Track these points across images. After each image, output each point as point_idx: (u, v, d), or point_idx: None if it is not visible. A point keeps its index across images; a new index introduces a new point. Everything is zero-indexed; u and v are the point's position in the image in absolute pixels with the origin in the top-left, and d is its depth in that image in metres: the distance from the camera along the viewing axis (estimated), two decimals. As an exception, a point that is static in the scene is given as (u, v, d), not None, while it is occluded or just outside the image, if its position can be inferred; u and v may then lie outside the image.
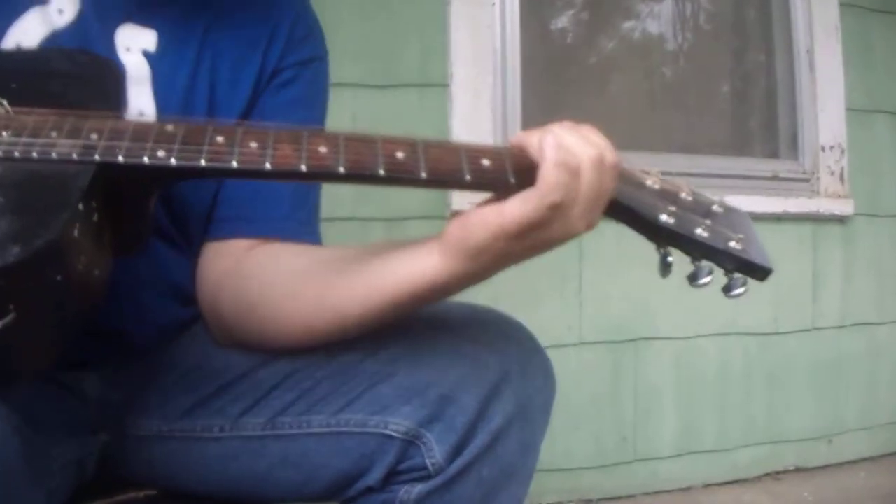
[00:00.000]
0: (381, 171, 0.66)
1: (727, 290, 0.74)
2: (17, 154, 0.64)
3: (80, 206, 0.62)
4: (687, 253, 0.74)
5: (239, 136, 0.66)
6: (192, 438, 0.84)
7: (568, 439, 2.11)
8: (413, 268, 0.70)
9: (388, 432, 0.75)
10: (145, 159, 0.64)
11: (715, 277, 0.73)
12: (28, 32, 0.82)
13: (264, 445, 0.81)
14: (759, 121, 2.60)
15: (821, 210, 2.37)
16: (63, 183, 0.62)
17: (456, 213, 0.65)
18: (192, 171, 0.66)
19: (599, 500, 2.15)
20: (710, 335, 2.27)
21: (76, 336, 0.68)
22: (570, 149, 0.66)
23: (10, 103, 0.69)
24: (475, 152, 0.68)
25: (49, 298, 0.62)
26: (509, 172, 0.67)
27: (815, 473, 2.37)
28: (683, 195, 0.75)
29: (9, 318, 0.57)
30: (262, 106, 0.90)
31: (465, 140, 1.98)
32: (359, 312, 0.74)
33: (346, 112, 1.88)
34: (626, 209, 0.72)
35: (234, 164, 0.65)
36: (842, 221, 2.43)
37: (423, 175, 0.66)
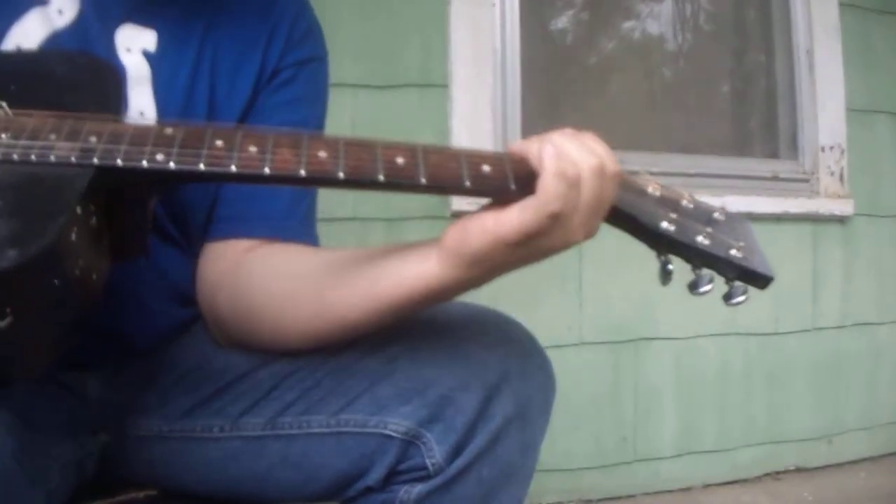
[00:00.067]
0: (381, 177, 0.65)
1: (728, 298, 0.73)
2: (15, 157, 0.64)
3: (78, 210, 0.62)
4: (687, 261, 0.73)
5: (238, 140, 0.66)
6: (192, 438, 0.84)
7: (568, 439, 2.11)
8: (411, 273, 0.70)
9: (387, 432, 0.75)
10: (144, 163, 0.64)
11: (716, 285, 0.73)
12: (28, 33, 0.82)
13: (264, 445, 0.81)
14: (759, 121, 2.60)
15: (821, 210, 2.37)
16: (61, 186, 0.62)
17: (456, 214, 0.65)
18: (191, 175, 0.66)
19: (599, 500, 2.15)
20: (711, 335, 2.27)
21: (74, 338, 0.68)
22: (571, 158, 0.66)
23: (10, 105, 0.69)
24: (475, 158, 0.68)
25: (46, 302, 0.62)
26: (510, 179, 0.67)
27: (815, 473, 2.37)
28: (684, 202, 0.74)
29: (5, 322, 0.57)
30: (261, 105, 0.90)
31: (465, 139, 1.99)
32: (356, 316, 0.74)
33: (345, 112, 1.88)
34: (626, 216, 0.72)
35: (233, 168, 0.65)
36: (842, 222, 2.43)
37: (423, 181, 0.66)
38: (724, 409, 2.31)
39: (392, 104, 1.96)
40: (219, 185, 0.88)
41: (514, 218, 0.65)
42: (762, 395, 2.35)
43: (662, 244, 0.73)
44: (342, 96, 1.86)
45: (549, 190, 0.65)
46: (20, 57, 0.80)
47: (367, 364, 0.78)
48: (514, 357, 0.77)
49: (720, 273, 0.73)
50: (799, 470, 2.38)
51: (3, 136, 0.65)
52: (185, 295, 0.90)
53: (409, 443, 0.75)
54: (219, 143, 0.65)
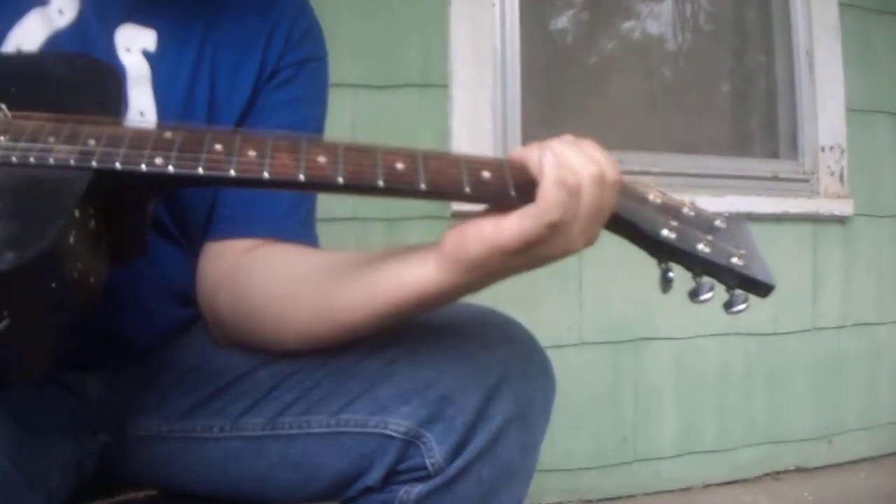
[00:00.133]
0: (380, 182, 0.65)
1: (728, 306, 0.73)
2: (14, 159, 0.63)
3: (77, 213, 0.62)
4: (688, 268, 0.73)
5: (237, 144, 0.66)
6: (192, 438, 0.84)
7: (568, 439, 2.11)
8: (410, 277, 0.70)
9: (387, 432, 0.75)
10: (143, 166, 0.64)
11: (716, 293, 0.72)
12: (29, 34, 0.82)
13: (264, 445, 0.81)
14: (758, 121, 2.60)
15: (820, 210, 2.37)
16: (59, 189, 0.62)
17: (456, 215, 0.65)
18: (190, 179, 0.66)
19: (599, 500, 2.15)
20: (710, 335, 2.27)
21: (73, 340, 0.68)
22: (571, 166, 0.66)
23: (9, 107, 0.69)
24: (475, 164, 0.68)
25: (44, 305, 0.61)
26: (510, 185, 0.67)
27: (815, 473, 2.37)
28: (685, 210, 0.74)
29: (3, 325, 0.57)
30: (261, 105, 0.90)
31: (465, 140, 1.99)
32: (356, 318, 0.74)
33: (345, 112, 1.88)
34: (627, 224, 0.72)
35: (232, 172, 0.65)
36: (841, 222, 2.43)
37: (423, 186, 0.66)
38: (724, 409, 2.31)
39: (392, 104, 1.96)
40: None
41: (514, 226, 0.65)
42: (762, 395, 2.35)
43: (663, 252, 0.73)
44: (342, 96, 1.86)
45: (549, 198, 0.65)
46: (20, 59, 0.80)
47: (368, 365, 0.78)
48: (515, 357, 0.77)
49: (721, 281, 0.73)
50: (799, 470, 2.38)
51: (2, 138, 0.65)
52: (185, 295, 0.90)
53: (409, 443, 0.75)
54: (218, 147, 0.65)
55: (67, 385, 0.85)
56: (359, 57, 1.92)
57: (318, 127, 0.95)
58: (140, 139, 0.65)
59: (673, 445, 2.25)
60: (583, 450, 2.14)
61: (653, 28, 2.58)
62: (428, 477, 0.75)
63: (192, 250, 0.90)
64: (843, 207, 2.40)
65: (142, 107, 0.84)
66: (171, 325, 0.91)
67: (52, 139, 0.65)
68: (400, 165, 0.66)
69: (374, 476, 0.76)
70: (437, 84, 2.00)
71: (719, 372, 2.30)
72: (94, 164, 0.63)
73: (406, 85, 1.98)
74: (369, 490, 0.77)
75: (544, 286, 2.08)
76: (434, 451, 0.74)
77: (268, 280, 0.82)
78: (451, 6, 2.01)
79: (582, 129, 0.70)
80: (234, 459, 0.82)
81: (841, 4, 2.40)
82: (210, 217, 0.88)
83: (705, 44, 2.68)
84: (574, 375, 2.11)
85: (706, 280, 0.73)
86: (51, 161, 0.63)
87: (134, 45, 0.85)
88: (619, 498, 2.17)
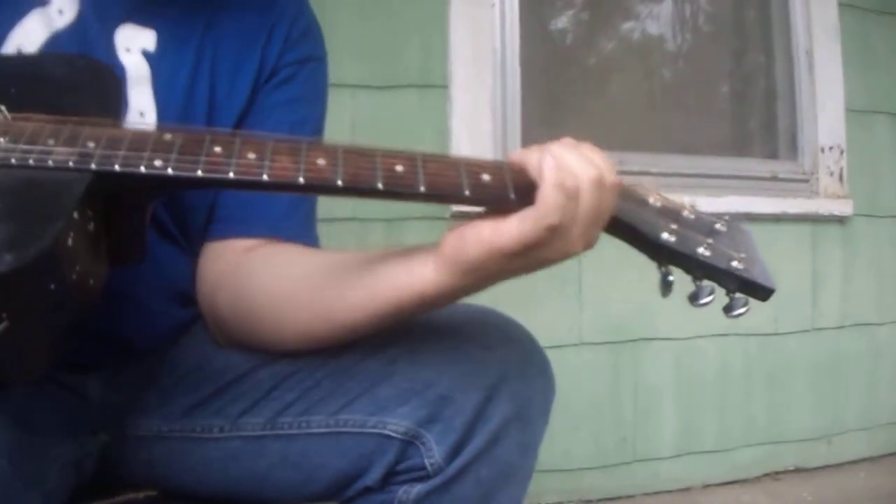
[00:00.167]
0: (380, 185, 0.65)
1: (728, 309, 0.73)
2: (13, 161, 0.63)
3: (76, 215, 0.62)
4: (688, 272, 0.73)
5: (237, 146, 0.66)
6: (192, 439, 0.84)
7: (568, 440, 2.11)
8: (408, 279, 0.70)
9: (386, 432, 0.75)
10: (142, 169, 0.64)
11: (716, 297, 0.72)
12: (30, 34, 0.82)
13: (264, 445, 0.81)
14: (758, 121, 2.60)
15: (820, 211, 2.38)
16: (58, 191, 0.62)
17: (456, 215, 0.65)
18: (189, 182, 0.66)
19: (599, 500, 2.15)
20: (710, 336, 2.27)
21: (72, 342, 0.68)
22: (570, 169, 0.66)
23: (9, 109, 0.69)
24: (475, 167, 0.68)
25: (42, 307, 0.62)
26: (509, 188, 0.67)
27: (815, 474, 2.37)
28: (685, 213, 0.74)
29: (1, 326, 0.57)
30: (260, 104, 0.90)
31: (465, 140, 1.99)
32: (355, 318, 0.75)
33: (345, 113, 1.88)
34: (627, 227, 0.72)
35: (231, 175, 0.65)
36: (841, 222, 2.43)
37: (422, 189, 0.66)
38: (723, 410, 2.31)
39: (392, 105, 1.96)
40: (218, 188, 0.88)
41: (513, 229, 0.65)
42: (762, 395, 2.35)
43: (663, 255, 0.72)
44: (342, 97, 1.86)
45: (548, 202, 0.65)
46: (19, 60, 0.80)
47: (367, 365, 0.78)
48: (514, 358, 0.77)
49: (721, 284, 0.73)
50: (798, 470, 2.38)
51: (2, 140, 0.65)
52: (186, 295, 0.90)
53: (408, 443, 0.75)
54: (217, 149, 0.65)
55: (68, 385, 0.85)
56: (358, 57, 1.92)
57: (318, 126, 0.95)
58: (139, 141, 0.65)
59: (672, 446, 2.25)
60: (582, 450, 2.14)
61: (652, 28, 2.58)
62: (427, 477, 0.75)
63: (192, 250, 0.90)
64: (843, 208, 2.40)
65: (142, 107, 0.84)
66: (172, 326, 0.91)
67: (51, 141, 0.65)
68: (399, 168, 0.66)
69: (374, 476, 0.76)
70: (436, 84, 2.00)
71: (719, 372, 2.30)
72: (93, 166, 0.63)
73: (406, 85, 1.98)
74: (368, 490, 0.77)
75: (544, 287, 2.08)
76: (433, 451, 0.74)
77: (268, 280, 0.82)
78: (451, 6, 2.01)
79: (582, 130, 0.70)
80: (233, 459, 0.82)
81: (840, 5, 2.40)
82: (210, 217, 0.88)
83: (705, 44, 2.68)
84: (574, 376, 2.11)
85: (706, 284, 0.73)
86: (50, 163, 0.63)
87: (134, 45, 0.85)
88: (619, 498, 2.17)
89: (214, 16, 0.89)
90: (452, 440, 0.74)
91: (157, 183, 0.66)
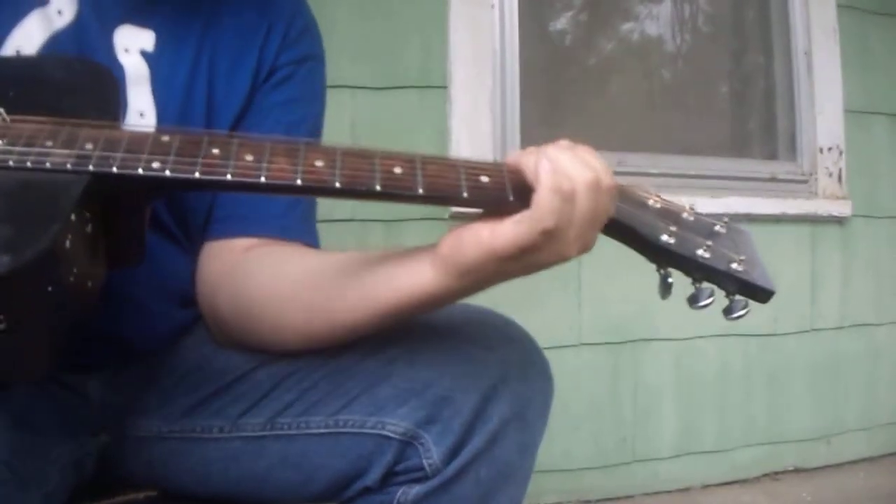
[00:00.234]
0: (378, 187, 0.65)
1: (728, 312, 0.73)
2: (11, 163, 0.63)
3: (73, 217, 0.62)
4: (688, 274, 0.73)
5: (235, 148, 0.66)
6: (192, 439, 0.84)
7: (567, 440, 2.11)
8: (405, 280, 0.71)
9: (385, 433, 0.75)
10: (140, 170, 0.64)
11: (716, 299, 0.72)
12: (29, 35, 0.82)
13: (263, 446, 0.81)
14: (757, 122, 2.60)
15: (819, 211, 2.38)
16: (56, 193, 0.62)
17: (455, 216, 0.65)
18: (187, 184, 0.66)
19: (599, 500, 2.15)
20: (710, 336, 2.27)
21: (71, 343, 0.68)
22: (566, 172, 0.65)
23: (7, 111, 0.69)
24: (474, 169, 0.68)
25: (40, 308, 0.62)
26: (508, 190, 0.67)
27: (815, 474, 2.38)
28: (685, 215, 0.74)
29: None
30: (258, 104, 0.90)
31: (465, 140, 2.00)
32: (354, 319, 0.75)
33: (345, 113, 1.88)
34: (626, 229, 0.72)
35: (229, 176, 0.65)
36: (840, 223, 2.43)
37: (420, 191, 0.66)
38: (723, 410, 2.31)
39: (391, 105, 1.96)
40: (217, 188, 0.88)
41: (509, 231, 0.65)
42: (761, 395, 2.35)
43: (662, 257, 0.73)
44: (341, 97, 1.86)
45: (544, 205, 0.65)
46: (18, 62, 0.80)
47: (366, 365, 0.78)
48: (513, 358, 0.77)
49: (721, 287, 0.73)
50: (798, 470, 2.38)
51: (0, 142, 0.65)
52: (185, 296, 0.90)
53: (407, 443, 0.75)
54: (215, 151, 0.65)
55: (68, 386, 0.85)
56: (358, 58, 1.92)
57: (317, 126, 0.95)
58: (137, 143, 0.65)
59: (672, 446, 2.25)
60: (582, 450, 2.14)
61: (652, 29, 2.59)
62: (425, 478, 0.75)
63: (192, 250, 0.90)
64: (842, 208, 2.40)
65: (141, 107, 0.84)
66: (172, 327, 0.91)
67: (49, 143, 0.65)
68: (398, 170, 0.66)
69: (373, 477, 0.76)
70: (436, 85, 2.00)
71: (718, 372, 2.30)
72: (91, 167, 0.63)
73: (405, 86, 1.98)
74: (368, 490, 0.77)
75: (544, 287, 2.08)
76: (431, 451, 0.74)
77: (267, 280, 0.82)
78: (451, 7, 2.01)
79: (581, 130, 0.71)
80: (233, 460, 0.82)
81: (839, 6, 2.41)
82: (209, 217, 0.89)
83: (704, 45, 2.68)
84: (573, 376, 2.11)
85: (706, 286, 0.73)
86: (48, 165, 0.63)
87: (132, 45, 0.86)
88: (619, 498, 2.17)
89: (213, 16, 0.89)
90: (451, 441, 0.74)
91: (155, 185, 0.66)
